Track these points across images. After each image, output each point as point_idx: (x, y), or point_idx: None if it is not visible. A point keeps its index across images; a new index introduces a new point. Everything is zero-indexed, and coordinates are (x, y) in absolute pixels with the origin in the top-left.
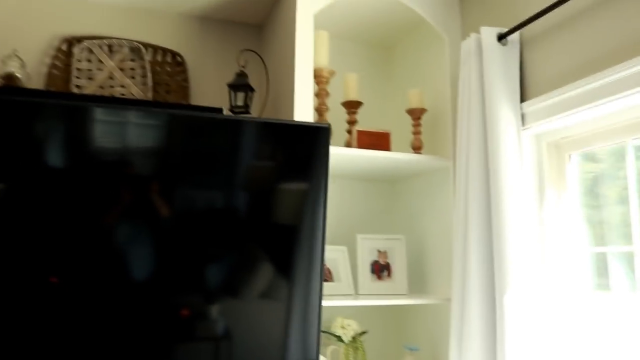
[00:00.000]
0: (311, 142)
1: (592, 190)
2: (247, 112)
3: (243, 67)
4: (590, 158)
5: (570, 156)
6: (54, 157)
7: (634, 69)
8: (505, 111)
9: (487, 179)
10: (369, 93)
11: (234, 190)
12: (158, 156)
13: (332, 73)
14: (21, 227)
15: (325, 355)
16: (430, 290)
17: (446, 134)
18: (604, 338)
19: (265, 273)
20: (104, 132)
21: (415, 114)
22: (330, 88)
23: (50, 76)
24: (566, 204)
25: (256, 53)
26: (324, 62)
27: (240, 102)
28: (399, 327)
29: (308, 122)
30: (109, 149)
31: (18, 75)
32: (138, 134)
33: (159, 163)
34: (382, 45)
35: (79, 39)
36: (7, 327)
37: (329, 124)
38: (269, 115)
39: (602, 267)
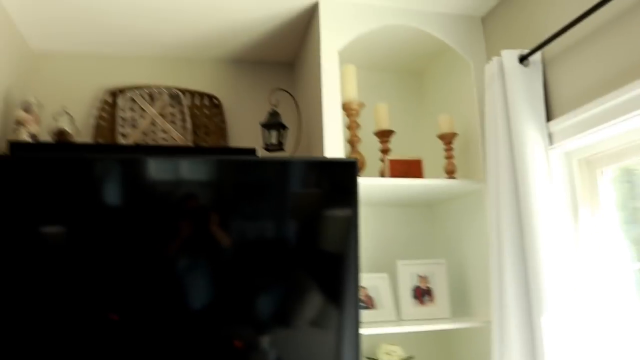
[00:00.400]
0: (342, 175)
1: (632, 205)
2: (281, 149)
3: (275, 106)
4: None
5: (602, 172)
6: (115, 201)
7: None
8: (531, 131)
9: (517, 200)
10: (401, 120)
11: (279, 221)
12: (207, 191)
13: (361, 105)
14: (86, 268)
15: None
16: (473, 312)
17: (478, 156)
18: None
19: (314, 301)
20: (157, 173)
21: (447, 139)
22: (362, 117)
23: (97, 127)
24: (601, 220)
25: (286, 91)
26: (353, 95)
27: (274, 140)
28: (444, 351)
29: (336, 158)
30: (165, 187)
31: (68, 130)
32: (188, 172)
33: (208, 197)
34: (410, 72)
35: (122, 90)
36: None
37: (356, 159)
38: (303, 150)
39: None
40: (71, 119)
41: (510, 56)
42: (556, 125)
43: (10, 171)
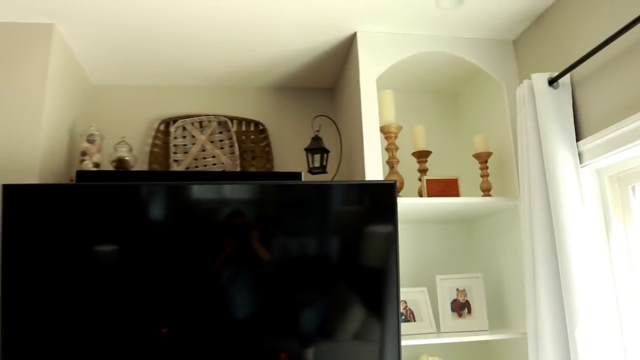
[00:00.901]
0: (382, 195)
1: None
2: (324, 172)
3: (317, 131)
4: None
5: (634, 188)
6: (167, 222)
7: None
8: (562, 151)
9: (549, 217)
10: (438, 140)
11: (322, 238)
12: (253, 210)
13: (399, 128)
14: (141, 285)
15: None
16: (510, 324)
17: (512, 174)
18: None
19: (356, 315)
20: (206, 195)
21: (482, 158)
22: (400, 138)
23: (152, 154)
24: (634, 234)
25: (328, 117)
26: (391, 118)
27: (317, 164)
28: None
29: (376, 181)
30: (213, 207)
31: (127, 158)
32: (237, 193)
33: (254, 216)
34: (447, 94)
35: (174, 119)
36: None
37: (395, 181)
38: (344, 171)
39: None
40: (129, 148)
41: (540, 79)
42: (586, 144)
43: (77, 197)
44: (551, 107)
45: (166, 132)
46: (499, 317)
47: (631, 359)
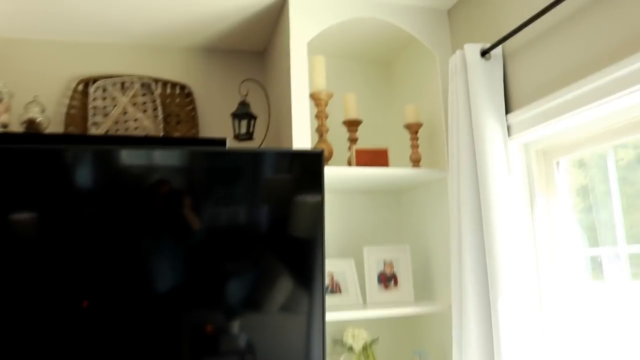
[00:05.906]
0: (309, 165)
1: (584, 193)
2: (251, 139)
3: (245, 96)
4: (581, 164)
5: (558, 162)
6: (87, 188)
7: (611, 77)
8: (491, 123)
9: (477, 189)
10: (369, 109)
11: (249, 207)
12: (178, 177)
13: (329, 96)
14: (59, 256)
15: None
16: (436, 297)
17: (442, 146)
18: (597, 332)
19: (284, 286)
20: (129, 161)
21: (413, 129)
22: (331, 106)
23: (69, 116)
24: (556, 208)
25: (256, 81)
26: (322, 85)
27: (243, 130)
28: (408, 334)
29: (303, 150)
30: (137, 174)
31: (39, 119)
32: (160, 159)
33: (180, 183)
34: (379, 62)
35: (94, 79)
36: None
37: (323, 150)
38: (272, 138)
39: (596, 265)
40: (43, 108)
41: (472, 50)
42: (514, 117)
43: None
44: (482, 79)
45: (85, 93)
46: (425, 290)
47: (549, 330)
